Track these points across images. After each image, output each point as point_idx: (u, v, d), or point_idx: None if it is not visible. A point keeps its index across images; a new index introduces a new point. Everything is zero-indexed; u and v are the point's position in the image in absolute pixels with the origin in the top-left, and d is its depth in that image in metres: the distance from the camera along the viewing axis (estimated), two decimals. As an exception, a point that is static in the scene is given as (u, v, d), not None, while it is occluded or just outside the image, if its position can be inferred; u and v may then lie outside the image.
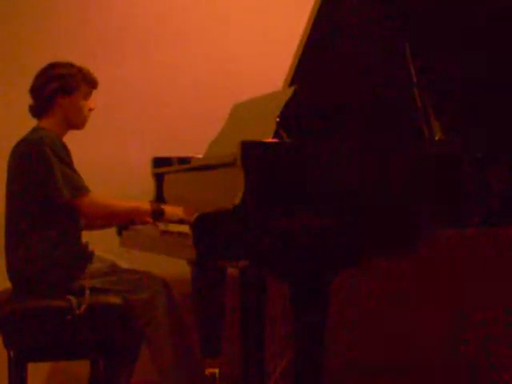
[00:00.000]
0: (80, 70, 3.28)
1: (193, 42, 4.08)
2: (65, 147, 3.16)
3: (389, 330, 4.17)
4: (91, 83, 3.30)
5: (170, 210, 3.15)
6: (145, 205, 3.19)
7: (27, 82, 3.31)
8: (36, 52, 3.90)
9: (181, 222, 3.07)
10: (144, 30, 4.05)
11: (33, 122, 3.29)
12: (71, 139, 3.29)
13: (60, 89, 3.23)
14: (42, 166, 3.09)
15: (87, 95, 3.29)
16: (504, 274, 4.24)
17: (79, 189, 3.11)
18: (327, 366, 2.69)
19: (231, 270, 3.64)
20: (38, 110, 3.27)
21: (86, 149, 3.39)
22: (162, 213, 3.13)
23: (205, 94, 4.05)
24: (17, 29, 3.94)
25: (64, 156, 3.12)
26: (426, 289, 4.20)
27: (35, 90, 3.26)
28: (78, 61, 3.30)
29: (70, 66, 3.28)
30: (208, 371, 3.44)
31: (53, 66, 3.28)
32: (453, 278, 4.21)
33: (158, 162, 3.71)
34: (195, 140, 3.70)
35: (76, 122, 3.29)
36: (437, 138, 2.98)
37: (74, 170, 3.15)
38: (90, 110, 3.31)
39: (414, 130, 3.04)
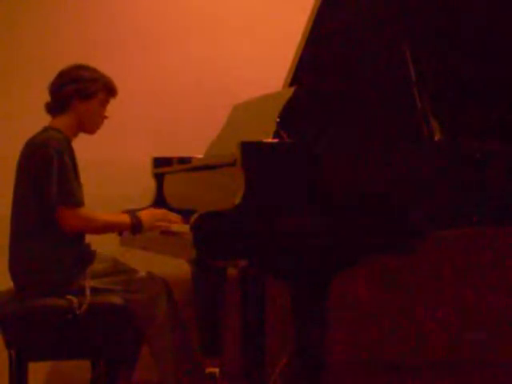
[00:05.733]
0: (102, 76, 3.25)
1: (193, 42, 4.08)
2: (70, 152, 3.14)
3: (388, 329, 4.18)
4: (111, 92, 3.27)
5: (148, 222, 3.12)
6: (125, 219, 3.14)
7: (28, 82, 3.31)
8: (37, 52, 3.90)
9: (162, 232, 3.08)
10: (145, 31, 4.05)
11: (41, 122, 3.27)
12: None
13: (79, 92, 3.19)
14: (43, 167, 3.06)
15: (104, 103, 3.27)
16: (503, 273, 4.24)
17: (70, 199, 3.06)
18: (327, 365, 2.70)
19: (231, 270, 3.64)
20: (53, 109, 3.24)
21: (86, 148, 3.37)
22: (141, 226, 3.12)
23: (205, 95, 4.05)
24: (18, 29, 3.95)
25: (67, 161, 3.08)
26: (425, 289, 4.20)
27: (54, 89, 3.23)
28: (77, 61, 3.29)
29: (94, 71, 3.25)
30: (208, 371, 3.44)
31: (78, 67, 3.24)
32: (452, 278, 4.22)
33: (158, 162, 3.71)
34: (195, 140, 3.71)
35: (89, 127, 3.26)
36: (436, 139, 2.98)
37: (75, 179, 3.12)
38: (105, 117, 3.29)
39: (414, 130, 3.04)
